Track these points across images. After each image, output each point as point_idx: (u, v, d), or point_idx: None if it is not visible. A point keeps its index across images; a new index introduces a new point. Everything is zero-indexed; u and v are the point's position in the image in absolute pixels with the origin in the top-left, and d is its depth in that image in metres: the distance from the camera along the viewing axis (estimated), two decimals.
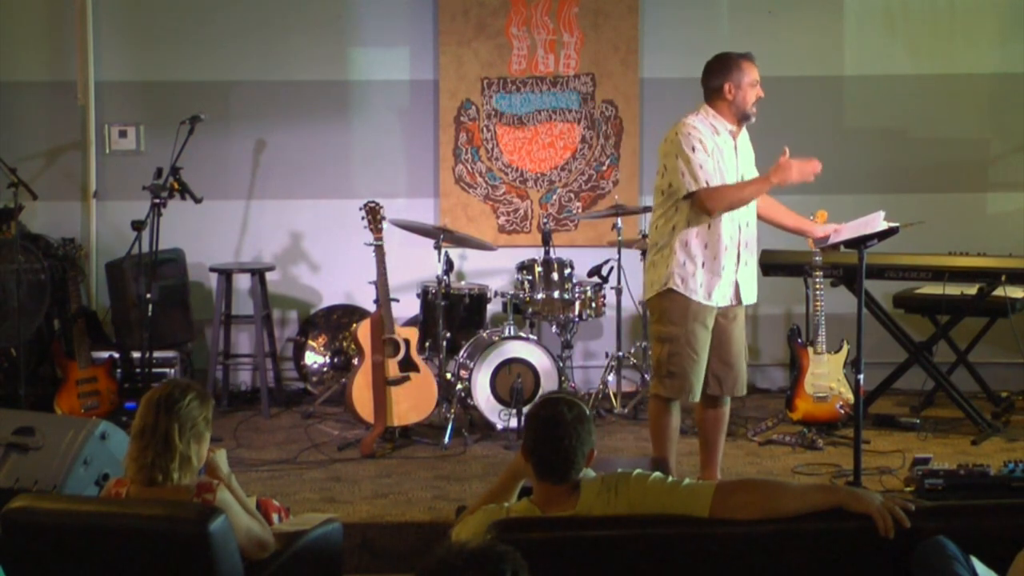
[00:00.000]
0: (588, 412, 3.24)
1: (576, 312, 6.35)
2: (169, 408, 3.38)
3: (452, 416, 6.04)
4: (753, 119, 4.90)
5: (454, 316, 6.39)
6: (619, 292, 6.60)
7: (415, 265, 6.75)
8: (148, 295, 5.95)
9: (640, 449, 5.97)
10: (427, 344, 6.33)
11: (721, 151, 4.82)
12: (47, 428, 4.43)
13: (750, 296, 4.99)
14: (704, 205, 4.76)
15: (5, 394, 6.25)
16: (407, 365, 5.98)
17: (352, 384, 5.94)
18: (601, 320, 6.80)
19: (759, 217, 5.12)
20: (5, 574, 3.13)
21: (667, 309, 4.88)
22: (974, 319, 6.40)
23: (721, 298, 4.89)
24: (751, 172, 4.96)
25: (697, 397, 4.94)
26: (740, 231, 4.89)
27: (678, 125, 4.85)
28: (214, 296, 6.85)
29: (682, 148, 4.76)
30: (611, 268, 6.56)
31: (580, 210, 7.15)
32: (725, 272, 4.86)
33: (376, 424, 5.92)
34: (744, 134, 4.99)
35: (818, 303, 6.07)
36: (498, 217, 7.19)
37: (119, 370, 6.46)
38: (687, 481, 3.18)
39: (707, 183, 4.73)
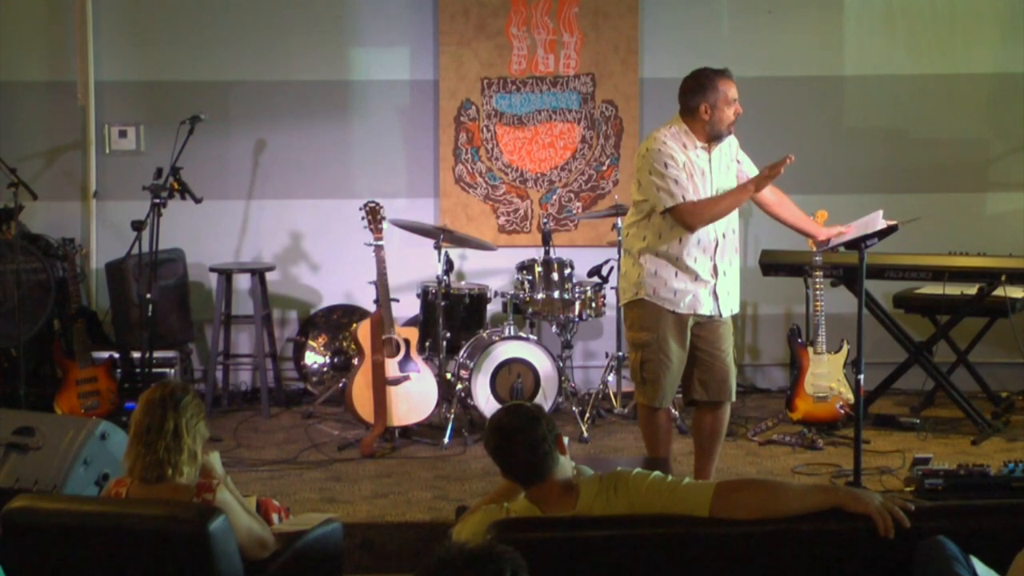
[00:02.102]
0: (534, 407, 3.30)
1: (576, 312, 6.35)
2: (175, 405, 3.42)
3: (452, 416, 6.04)
4: (725, 138, 4.87)
5: (454, 316, 6.39)
6: (619, 292, 6.59)
7: (415, 265, 6.75)
8: (148, 295, 5.94)
9: (640, 449, 5.94)
10: (427, 344, 6.33)
11: (693, 165, 4.81)
12: (47, 428, 4.43)
13: (732, 307, 4.97)
14: (684, 220, 4.76)
15: (5, 394, 6.25)
16: (407, 365, 5.99)
17: (352, 384, 5.94)
18: (601, 320, 6.80)
19: (768, 213, 5.14)
20: (5, 574, 3.13)
21: (639, 316, 4.92)
22: (974, 319, 6.40)
23: (699, 307, 4.88)
24: (730, 184, 4.91)
25: (668, 403, 4.99)
26: (716, 242, 4.86)
27: (649, 139, 4.88)
28: (214, 296, 6.85)
29: (654, 166, 4.76)
30: (611, 268, 6.56)
31: (580, 210, 7.15)
32: (700, 282, 4.86)
33: (376, 424, 5.92)
34: (729, 145, 4.95)
35: (818, 303, 6.06)
36: (498, 217, 7.19)
37: (119, 370, 6.45)
38: (687, 480, 3.18)
39: (683, 198, 4.74)
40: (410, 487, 5.37)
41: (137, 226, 6.00)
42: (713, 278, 4.87)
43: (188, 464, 3.39)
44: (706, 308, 4.88)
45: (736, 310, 5.01)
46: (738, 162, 5.02)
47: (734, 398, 5.06)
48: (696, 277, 4.84)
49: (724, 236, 4.89)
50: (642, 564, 3.07)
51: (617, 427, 6.41)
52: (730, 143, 4.97)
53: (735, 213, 4.95)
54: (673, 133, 4.84)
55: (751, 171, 5.06)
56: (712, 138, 4.84)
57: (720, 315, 4.91)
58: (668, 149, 4.78)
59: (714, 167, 4.88)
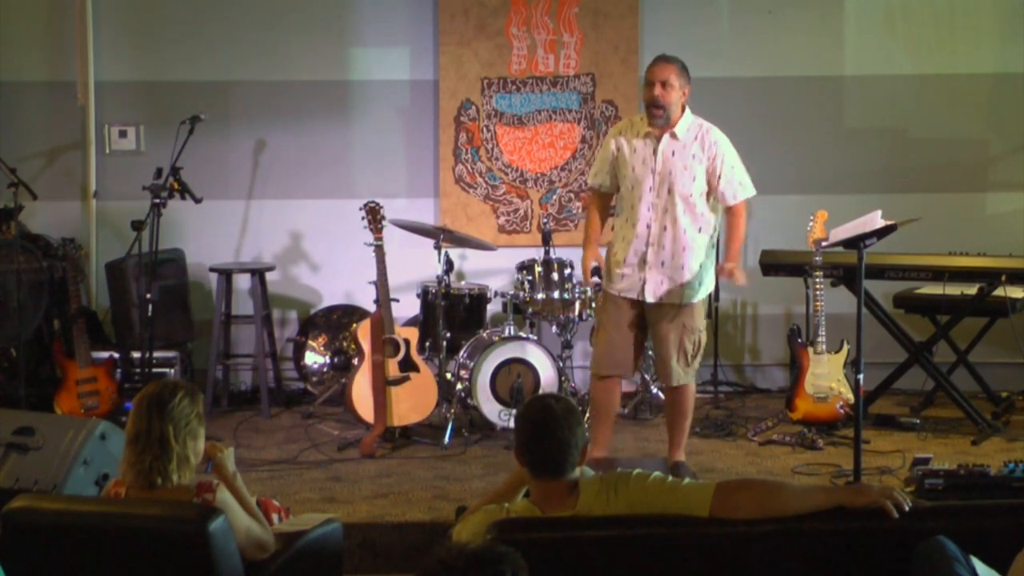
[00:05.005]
0: (575, 408, 3.26)
1: (576, 312, 6.35)
2: (161, 410, 3.37)
3: (452, 416, 6.04)
4: (652, 120, 5.05)
5: (454, 316, 6.38)
6: None
7: (415, 265, 6.75)
8: (148, 295, 5.94)
9: (640, 449, 5.97)
10: (427, 344, 6.33)
11: (633, 151, 5.11)
12: (47, 428, 4.43)
13: (663, 296, 5.13)
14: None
15: (5, 394, 6.25)
16: (407, 365, 5.99)
17: (352, 384, 5.94)
18: None
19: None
20: (5, 574, 3.13)
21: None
22: (974, 319, 6.40)
23: (625, 289, 5.17)
24: (679, 178, 5.05)
25: (604, 372, 5.31)
26: (649, 230, 5.09)
27: None
28: (214, 296, 6.84)
29: None
30: None
31: (580, 210, 7.15)
32: (626, 265, 5.14)
33: (376, 424, 5.92)
34: (698, 144, 5.05)
35: (818, 303, 6.06)
36: (498, 217, 7.19)
37: (119, 370, 6.45)
38: (687, 480, 3.18)
39: (588, 182, 5.27)
40: (410, 487, 5.37)
41: (137, 226, 6.00)
42: (643, 263, 5.10)
43: (179, 470, 3.36)
44: (633, 292, 5.15)
45: (674, 302, 5.14)
46: (719, 177, 5.10)
47: (676, 383, 5.24)
48: (624, 260, 5.14)
49: (664, 228, 5.07)
50: (642, 564, 3.07)
51: (616, 427, 6.38)
52: (705, 145, 5.08)
53: (676, 207, 5.05)
54: (632, 121, 5.20)
55: (728, 184, 5.13)
56: (651, 123, 5.06)
57: (644, 301, 5.13)
58: (614, 131, 5.23)
59: (660, 156, 5.06)
